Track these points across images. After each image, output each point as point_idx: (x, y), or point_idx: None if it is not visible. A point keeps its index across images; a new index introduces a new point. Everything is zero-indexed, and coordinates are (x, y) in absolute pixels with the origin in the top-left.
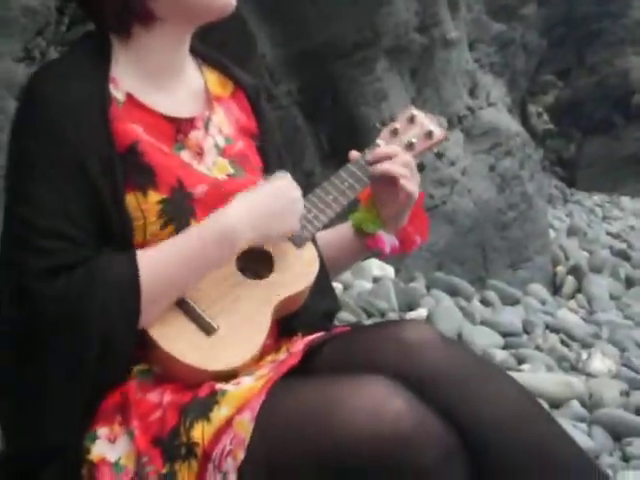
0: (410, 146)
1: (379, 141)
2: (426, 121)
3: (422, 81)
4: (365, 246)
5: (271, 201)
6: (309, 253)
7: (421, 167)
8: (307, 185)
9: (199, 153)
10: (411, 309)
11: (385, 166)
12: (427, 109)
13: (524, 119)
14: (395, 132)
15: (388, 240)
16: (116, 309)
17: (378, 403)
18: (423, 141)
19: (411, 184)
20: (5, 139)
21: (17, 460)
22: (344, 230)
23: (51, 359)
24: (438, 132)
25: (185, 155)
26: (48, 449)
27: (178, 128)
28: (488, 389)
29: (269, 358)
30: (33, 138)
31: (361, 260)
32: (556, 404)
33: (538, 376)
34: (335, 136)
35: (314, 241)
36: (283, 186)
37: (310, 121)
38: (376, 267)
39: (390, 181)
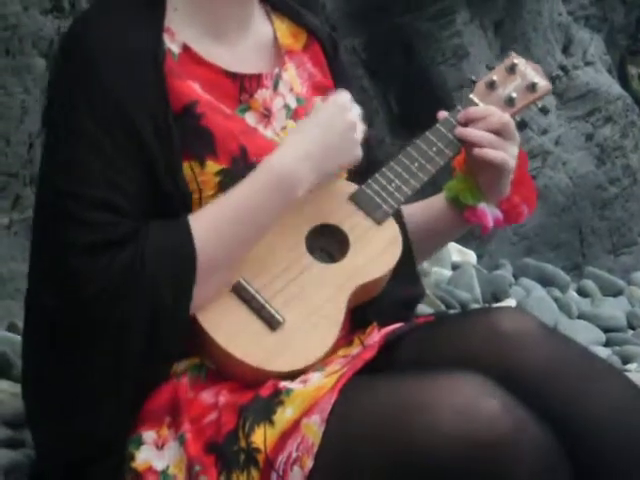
0: (510, 101)
1: (472, 96)
2: (529, 71)
3: (508, 36)
4: (463, 220)
5: (326, 132)
6: (390, 231)
7: (522, 125)
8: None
9: (266, 115)
10: (497, 300)
11: (465, 131)
12: None
13: (623, 82)
14: (492, 85)
15: (490, 212)
16: (167, 280)
17: (469, 405)
18: (525, 95)
19: (497, 153)
20: (32, 102)
21: (49, 468)
22: (436, 202)
23: (91, 348)
24: (543, 83)
25: (250, 118)
26: (87, 450)
27: (242, 86)
28: (595, 387)
29: (341, 352)
30: (76, 95)
31: (455, 239)
32: None
33: None
34: (407, 99)
35: (397, 217)
36: (335, 111)
37: (378, 82)
38: (455, 252)
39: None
